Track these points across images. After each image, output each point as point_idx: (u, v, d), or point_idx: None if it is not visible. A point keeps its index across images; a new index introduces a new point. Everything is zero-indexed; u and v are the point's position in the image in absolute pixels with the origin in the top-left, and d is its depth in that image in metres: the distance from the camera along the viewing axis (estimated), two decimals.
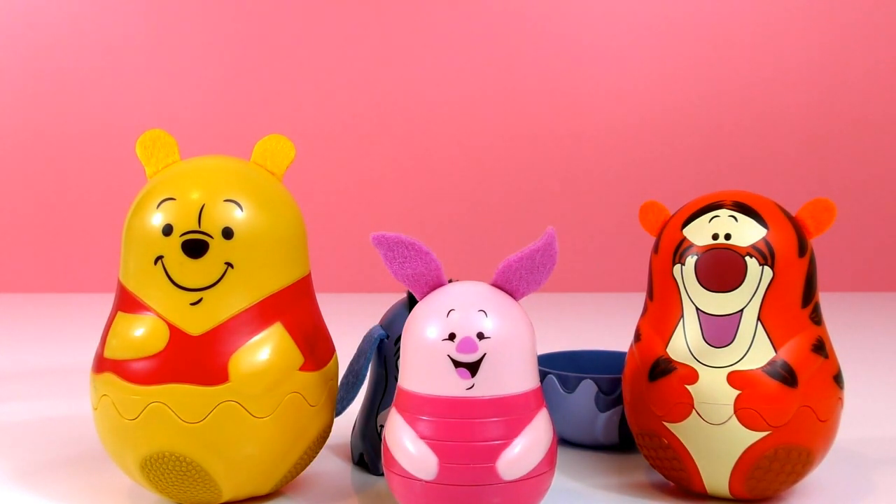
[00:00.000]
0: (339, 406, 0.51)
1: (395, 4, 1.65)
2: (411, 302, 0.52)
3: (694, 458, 0.46)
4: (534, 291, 0.44)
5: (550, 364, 0.65)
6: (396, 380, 0.45)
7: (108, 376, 0.45)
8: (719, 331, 0.46)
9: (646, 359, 0.48)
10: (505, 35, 1.61)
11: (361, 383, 0.50)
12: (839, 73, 1.65)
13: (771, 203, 0.48)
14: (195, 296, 0.45)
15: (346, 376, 0.51)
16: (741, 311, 0.46)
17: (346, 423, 0.59)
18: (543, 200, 1.58)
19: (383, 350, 0.53)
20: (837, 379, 0.47)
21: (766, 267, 0.46)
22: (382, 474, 0.50)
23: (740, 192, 0.49)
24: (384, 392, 0.53)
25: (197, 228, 0.45)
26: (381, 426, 0.53)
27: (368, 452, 0.54)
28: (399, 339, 0.49)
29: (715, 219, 0.47)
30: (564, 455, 0.58)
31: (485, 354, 0.41)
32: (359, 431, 0.55)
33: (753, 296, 0.46)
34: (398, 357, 0.50)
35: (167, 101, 1.64)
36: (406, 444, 0.41)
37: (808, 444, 0.46)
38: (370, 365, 0.53)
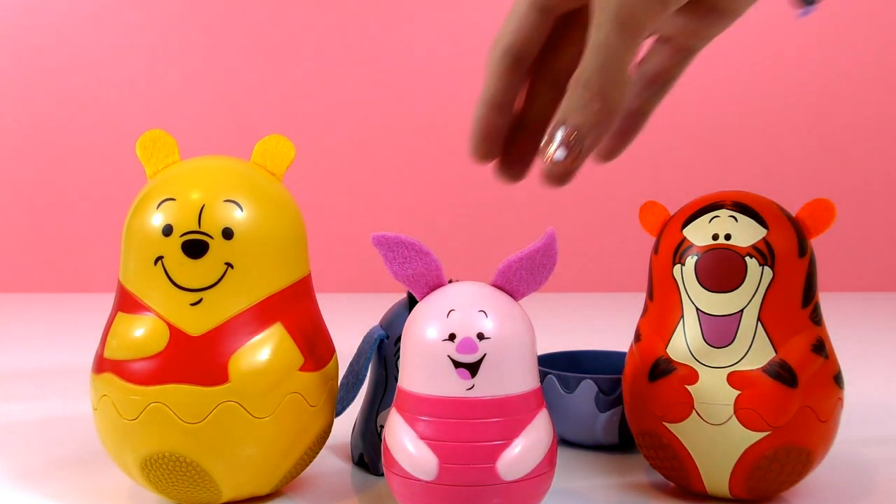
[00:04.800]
0: (339, 406, 0.51)
1: (395, 4, 1.65)
2: (411, 302, 0.52)
3: (694, 458, 0.46)
4: (534, 292, 0.44)
5: (550, 364, 0.65)
6: (396, 380, 0.45)
7: (108, 376, 0.45)
8: (719, 331, 0.46)
9: (646, 359, 0.48)
10: None
11: (361, 384, 0.50)
12: (840, 72, 1.65)
13: (771, 203, 0.48)
14: (195, 296, 0.45)
15: (345, 377, 0.51)
16: (741, 311, 0.46)
17: (346, 423, 0.59)
18: (543, 200, 1.58)
19: (383, 350, 0.53)
20: (837, 379, 0.47)
21: (766, 267, 0.46)
22: (382, 474, 0.50)
23: (740, 192, 0.49)
24: (384, 392, 0.53)
25: (197, 229, 0.45)
26: (381, 426, 0.53)
27: (368, 452, 0.54)
28: (399, 339, 0.49)
29: (715, 219, 0.47)
30: (564, 455, 0.58)
31: (485, 355, 0.41)
32: (359, 431, 0.55)
33: (753, 296, 0.46)
34: (398, 357, 0.50)
35: (167, 101, 1.64)
36: (406, 445, 0.41)
37: (808, 444, 0.46)
38: (370, 365, 0.53)
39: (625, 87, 0.42)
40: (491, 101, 0.49)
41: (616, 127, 0.44)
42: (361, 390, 0.51)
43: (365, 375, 0.50)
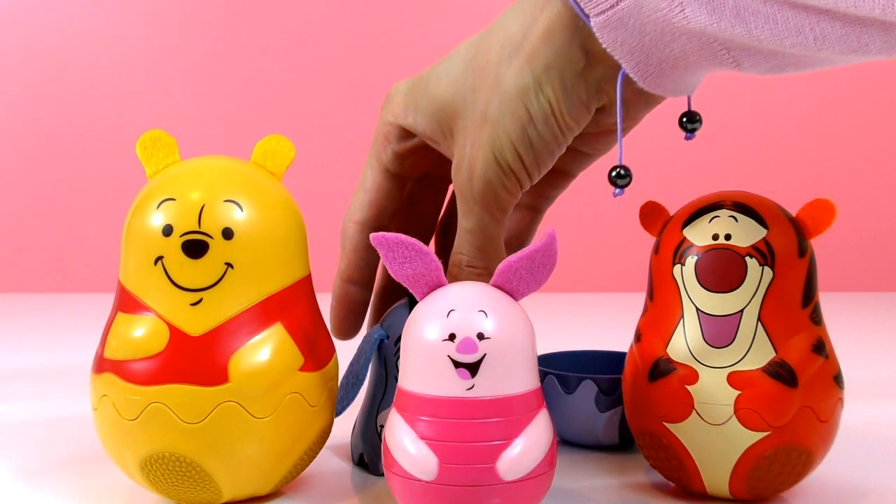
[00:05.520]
0: (339, 406, 0.51)
1: (396, 4, 1.65)
2: (411, 302, 0.52)
3: (694, 458, 0.46)
4: (534, 292, 0.44)
5: (550, 364, 0.65)
6: (396, 380, 0.45)
7: (108, 376, 0.45)
8: (719, 331, 0.46)
9: (646, 359, 0.48)
10: None
11: (361, 384, 0.50)
12: (840, 71, 1.64)
13: (771, 203, 0.48)
14: (195, 296, 0.45)
15: (345, 377, 0.51)
16: (741, 311, 0.46)
17: (346, 423, 0.59)
18: None
19: (383, 350, 0.53)
20: (837, 379, 0.47)
21: (766, 267, 0.46)
22: (382, 474, 0.50)
23: (740, 192, 0.49)
24: (384, 392, 0.53)
25: (197, 229, 0.45)
26: (382, 426, 0.53)
27: (368, 452, 0.54)
28: (399, 339, 0.49)
29: (715, 219, 0.47)
30: (564, 455, 0.58)
31: (485, 355, 0.41)
32: (359, 432, 0.55)
33: (753, 296, 0.46)
34: (398, 357, 0.50)
35: (167, 101, 1.64)
36: (406, 445, 0.41)
37: (808, 444, 0.46)
38: (370, 365, 0.53)
39: (503, 258, 0.46)
40: (351, 279, 0.53)
41: None
42: (361, 390, 0.51)
43: (365, 375, 0.50)
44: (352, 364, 0.51)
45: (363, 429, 0.54)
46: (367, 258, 0.53)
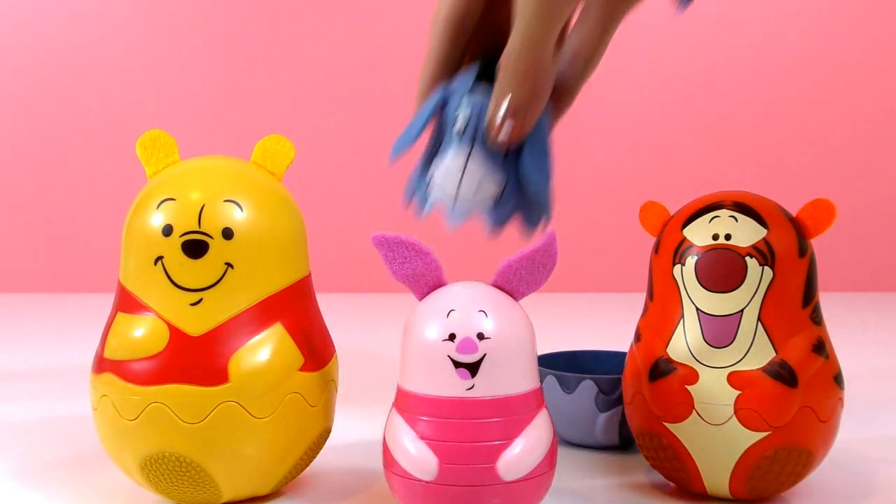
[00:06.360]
0: (395, 153, 0.50)
1: (396, 4, 1.65)
2: (482, 67, 0.50)
3: (694, 458, 0.46)
4: (534, 292, 0.44)
5: (550, 364, 0.65)
6: (452, 136, 0.46)
7: (108, 377, 0.45)
8: (719, 331, 0.46)
9: (646, 359, 0.48)
10: None
11: (415, 138, 0.49)
12: (840, 72, 1.65)
13: (771, 203, 0.48)
14: (195, 296, 0.45)
15: (404, 134, 0.49)
16: (741, 311, 0.46)
17: (347, 423, 0.59)
18: None
19: (442, 117, 0.51)
20: (838, 379, 0.47)
21: (766, 267, 0.46)
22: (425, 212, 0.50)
23: (740, 192, 0.49)
24: (438, 146, 0.52)
25: (197, 229, 0.45)
26: (433, 174, 0.52)
27: (421, 192, 0.53)
28: (461, 100, 0.48)
29: (715, 219, 0.47)
30: (564, 455, 0.58)
31: (485, 355, 0.41)
32: (415, 178, 0.54)
33: (754, 296, 0.46)
34: (457, 115, 0.49)
35: (167, 101, 1.64)
36: (406, 445, 0.42)
37: (808, 444, 0.46)
38: (429, 121, 0.52)
39: (549, 68, 0.45)
40: (433, 75, 0.51)
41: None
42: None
43: (419, 133, 0.48)
44: (412, 122, 0.50)
45: (419, 176, 0.53)
46: (450, 53, 0.52)
